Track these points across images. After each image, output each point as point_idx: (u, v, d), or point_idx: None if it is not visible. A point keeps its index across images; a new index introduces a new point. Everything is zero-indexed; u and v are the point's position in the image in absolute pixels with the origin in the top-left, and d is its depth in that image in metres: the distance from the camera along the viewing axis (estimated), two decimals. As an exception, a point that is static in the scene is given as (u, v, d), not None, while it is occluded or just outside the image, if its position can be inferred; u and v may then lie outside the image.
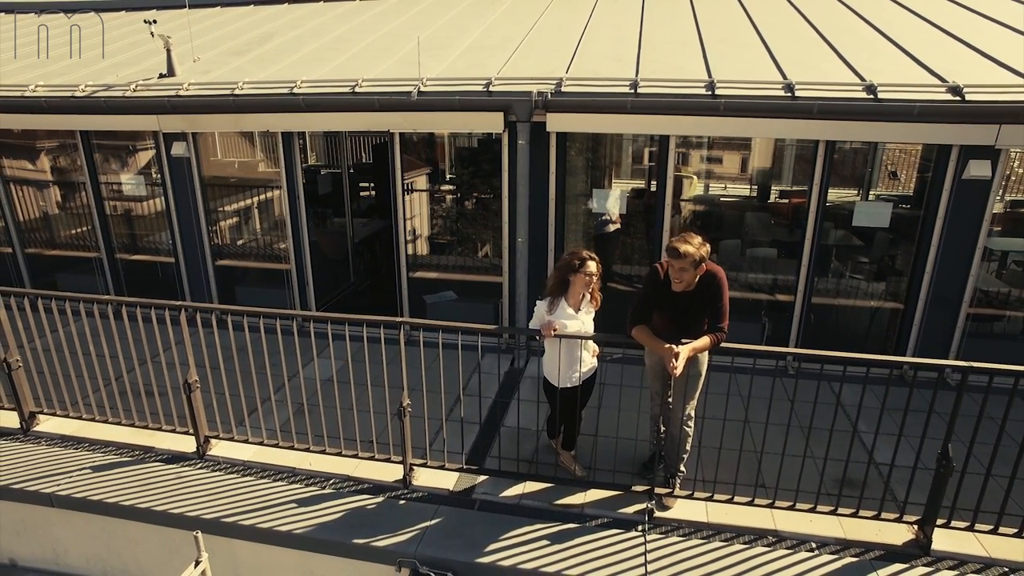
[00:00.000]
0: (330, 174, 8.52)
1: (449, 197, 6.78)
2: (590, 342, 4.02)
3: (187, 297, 7.03)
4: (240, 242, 7.15)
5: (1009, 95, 4.86)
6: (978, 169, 5.10)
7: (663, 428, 4.09)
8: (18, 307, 4.71)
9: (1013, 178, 5.42)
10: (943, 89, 5.01)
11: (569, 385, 4.03)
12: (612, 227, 6.04)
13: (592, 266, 3.83)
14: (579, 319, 3.93)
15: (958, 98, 4.88)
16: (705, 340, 3.60)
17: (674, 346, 3.48)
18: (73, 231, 7.47)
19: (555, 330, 3.78)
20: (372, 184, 9.37)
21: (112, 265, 7.30)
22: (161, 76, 6.59)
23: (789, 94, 5.05)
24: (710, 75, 5.41)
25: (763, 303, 6.05)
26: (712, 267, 3.64)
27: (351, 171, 9.32)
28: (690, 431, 3.96)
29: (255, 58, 7.05)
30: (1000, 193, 5.18)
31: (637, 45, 6.41)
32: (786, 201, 6.00)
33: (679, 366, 3.44)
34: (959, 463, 3.43)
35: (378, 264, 8.18)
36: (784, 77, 5.31)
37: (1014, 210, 5.56)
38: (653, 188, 5.70)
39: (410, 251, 6.36)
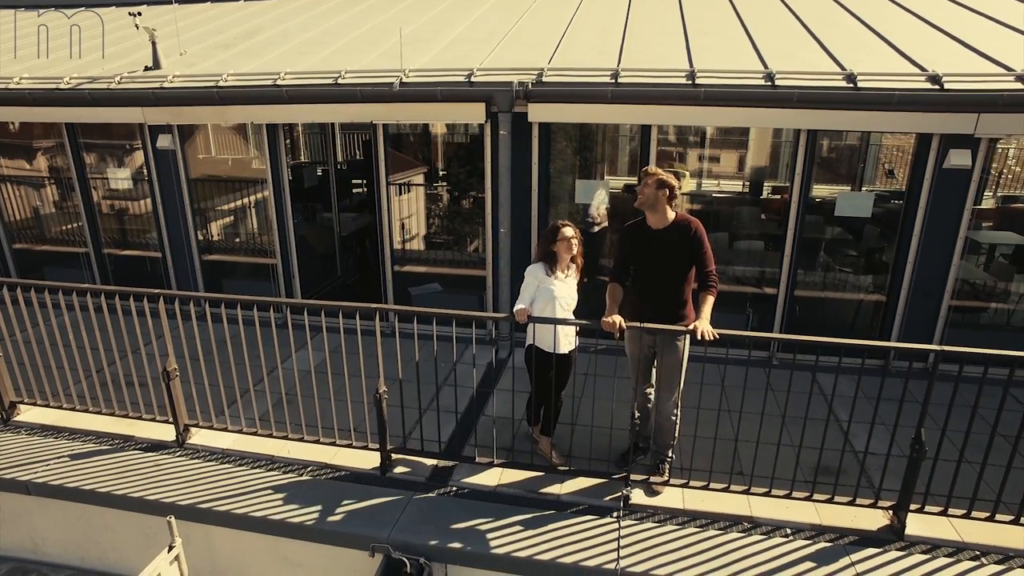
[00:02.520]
0: (318, 169, 8.53)
1: (435, 190, 6.78)
2: (570, 315, 4.08)
3: (171, 272, 7.02)
4: (227, 236, 7.14)
5: (988, 83, 4.87)
6: (958, 158, 5.10)
7: (645, 416, 4.14)
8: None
9: (1006, 173, 5.44)
10: (923, 78, 5.02)
11: (562, 351, 4.07)
12: (597, 227, 6.04)
13: (568, 231, 3.99)
14: (567, 283, 4.08)
15: (937, 87, 4.89)
16: (709, 300, 3.70)
17: (695, 325, 3.54)
18: (60, 226, 7.48)
19: (528, 315, 3.80)
20: (364, 181, 9.38)
21: (100, 260, 7.31)
22: (147, 69, 6.59)
23: (769, 83, 5.05)
24: (692, 65, 5.41)
25: (748, 295, 6.05)
26: (687, 216, 3.78)
27: (343, 167, 9.35)
28: (677, 419, 3.97)
29: (241, 51, 7.06)
30: (980, 184, 5.18)
31: (621, 37, 6.42)
32: (777, 197, 5.98)
33: (710, 330, 3.50)
34: (933, 449, 3.44)
35: (367, 258, 8.18)
36: (765, 67, 5.31)
37: (1003, 205, 5.58)
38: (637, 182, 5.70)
39: (395, 244, 6.37)
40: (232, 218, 7.18)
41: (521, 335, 6.09)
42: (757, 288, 5.96)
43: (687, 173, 6.06)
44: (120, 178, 6.92)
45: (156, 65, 6.61)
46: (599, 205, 5.90)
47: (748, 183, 6.25)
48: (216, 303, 7.00)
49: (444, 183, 6.63)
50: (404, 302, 6.51)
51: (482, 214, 5.91)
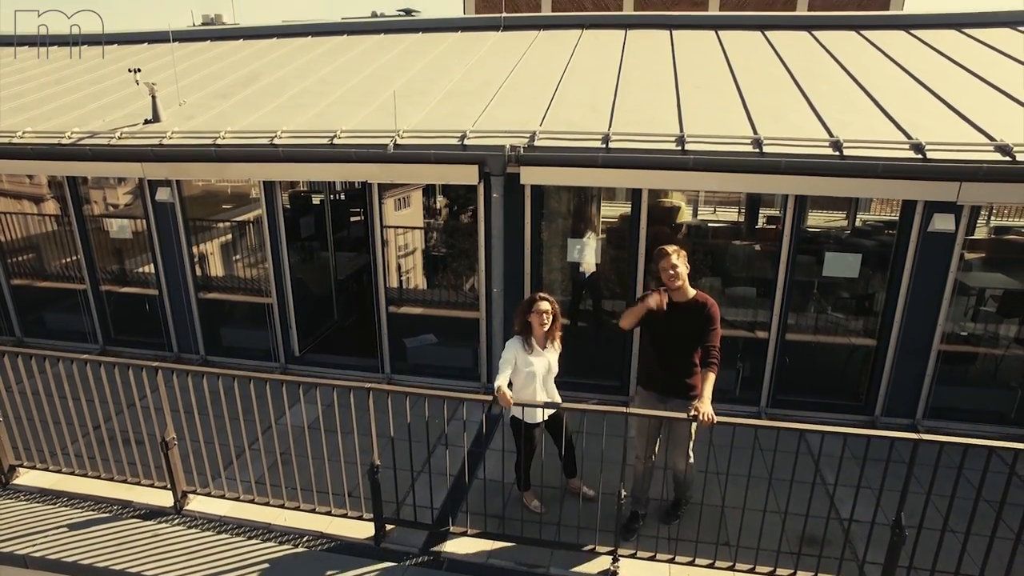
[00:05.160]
0: (315, 206, 8.56)
1: (429, 239, 6.87)
2: (551, 383, 4.34)
3: (171, 332, 7.10)
4: (223, 282, 7.22)
5: (969, 154, 4.97)
6: (942, 223, 5.20)
7: (644, 482, 4.46)
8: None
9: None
10: (907, 146, 5.13)
11: (533, 421, 4.30)
12: (589, 274, 6.13)
13: (543, 304, 4.17)
14: (545, 356, 4.26)
15: (920, 156, 4.99)
16: (711, 378, 3.96)
17: (697, 406, 3.79)
18: (59, 263, 7.53)
19: (510, 401, 3.90)
20: (361, 210, 9.40)
21: (97, 298, 7.33)
22: (147, 122, 6.69)
23: (757, 150, 5.16)
24: (682, 128, 5.52)
25: (739, 344, 6.13)
26: (705, 296, 4.09)
27: (341, 197, 9.31)
28: (688, 471, 4.35)
29: (239, 102, 7.16)
30: (964, 245, 5.29)
31: (614, 91, 6.53)
32: (772, 227, 5.99)
33: (710, 415, 3.75)
34: (917, 519, 3.52)
35: (363, 297, 8.25)
36: (754, 131, 5.41)
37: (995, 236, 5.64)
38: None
39: (390, 297, 6.46)
40: (229, 262, 7.26)
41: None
42: (749, 332, 6.02)
43: (681, 204, 6.09)
44: (118, 228, 7.01)
45: (156, 118, 6.71)
46: (590, 257, 5.99)
47: (742, 214, 6.28)
48: (214, 351, 7.12)
49: (439, 232, 6.71)
50: (400, 351, 6.60)
51: (476, 262, 6.01)
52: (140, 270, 7.22)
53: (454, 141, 5.56)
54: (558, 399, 4.41)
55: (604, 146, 5.31)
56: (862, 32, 8.29)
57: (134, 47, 10.15)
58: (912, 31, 8.25)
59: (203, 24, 27.56)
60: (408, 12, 26.81)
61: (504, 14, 9.16)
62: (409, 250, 6.88)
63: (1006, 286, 5.79)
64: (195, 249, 6.84)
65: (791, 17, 8.63)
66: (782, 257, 5.53)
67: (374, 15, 26.90)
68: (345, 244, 8.70)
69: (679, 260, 3.98)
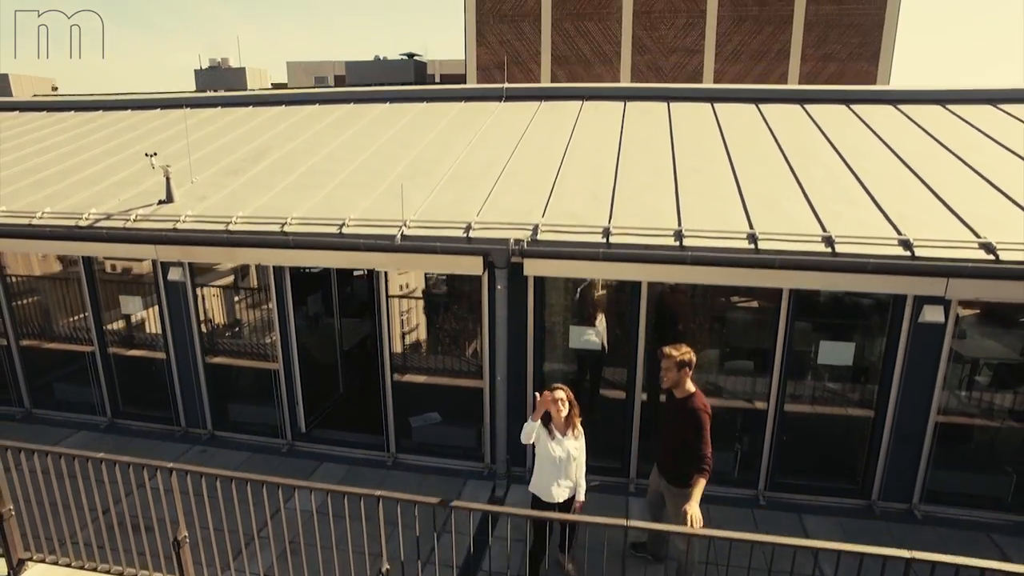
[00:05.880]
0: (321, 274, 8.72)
1: (435, 312, 7.02)
2: (571, 469, 4.65)
3: (179, 404, 7.20)
4: (231, 355, 7.35)
5: (955, 251, 5.17)
6: (932, 315, 5.38)
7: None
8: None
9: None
10: (895, 241, 5.32)
11: (559, 500, 4.62)
12: (590, 357, 6.29)
13: (558, 392, 4.56)
14: (565, 444, 4.61)
15: (908, 253, 5.19)
16: (700, 483, 4.30)
17: (686, 508, 4.12)
18: (67, 326, 7.64)
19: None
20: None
21: (105, 360, 7.40)
22: (160, 202, 6.91)
23: (752, 246, 5.35)
24: (680, 221, 5.72)
25: (737, 422, 6.25)
26: (700, 402, 4.47)
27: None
28: (692, 555, 4.65)
29: (250, 180, 7.39)
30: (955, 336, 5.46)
31: (613, 176, 6.75)
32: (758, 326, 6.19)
33: (698, 518, 4.06)
34: None
35: (368, 363, 8.36)
36: (750, 225, 5.61)
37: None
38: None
39: (395, 364, 6.58)
40: (237, 332, 7.41)
41: (518, 469, 6.30)
42: (748, 403, 6.14)
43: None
44: (131, 303, 7.18)
45: (169, 199, 6.92)
46: (592, 345, 6.16)
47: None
48: (221, 426, 7.22)
49: (445, 311, 6.87)
50: (405, 428, 6.71)
51: (480, 340, 6.16)
52: (150, 339, 7.37)
53: (459, 233, 5.75)
54: (583, 485, 4.74)
55: (605, 241, 5.51)
56: (852, 106, 8.59)
57: (149, 112, 10.46)
58: (899, 106, 8.55)
59: (210, 66, 28.23)
60: (411, 56, 27.55)
61: (506, 85, 9.47)
62: (413, 325, 7.03)
63: (1000, 356, 5.91)
64: (204, 327, 7.00)
65: (783, 91, 8.94)
66: (778, 342, 5.69)
67: (377, 59, 27.60)
68: (350, 307, 8.86)
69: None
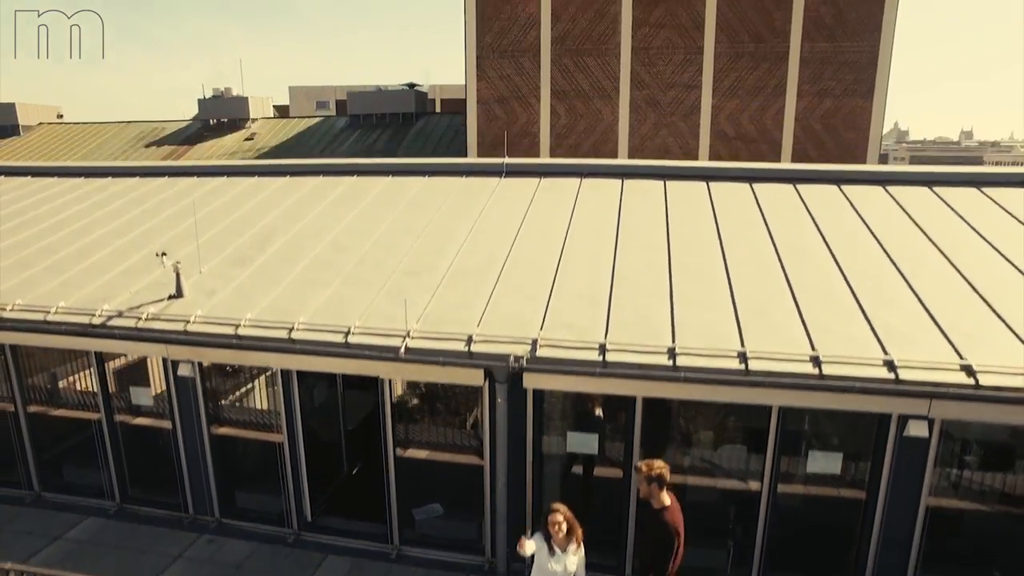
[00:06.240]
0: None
1: (437, 412, 7.24)
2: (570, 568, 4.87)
3: (187, 491, 7.39)
4: (239, 444, 7.57)
5: (938, 373, 5.38)
6: (916, 430, 5.59)
7: None
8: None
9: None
10: (880, 362, 5.53)
11: None
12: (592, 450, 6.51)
13: (556, 516, 4.84)
14: (563, 560, 4.84)
15: (892, 376, 5.40)
16: None
17: None
18: (75, 393, 7.84)
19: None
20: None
21: (111, 428, 7.52)
22: (171, 297, 7.13)
23: (743, 366, 5.56)
24: (673, 336, 5.93)
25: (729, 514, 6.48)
26: (672, 518, 4.80)
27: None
28: None
29: (257, 271, 7.61)
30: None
31: (611, 274, 6.97)
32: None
33: None
34: None
35: (371, 443, 8.56)
36: (741, 342, 5.81)
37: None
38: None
39: (399, 466, 6.79)
40: (245, 421, 7.62)
41: (519, 564, 6.50)
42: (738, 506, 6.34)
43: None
44: (142, 396, 7.39)
45: (179, 293, 7.14)
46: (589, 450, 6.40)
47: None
48: (228, 513, 7.42)
49: (447, 414, 7.10)
50: (408, 518, 6.91)
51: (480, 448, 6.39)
52: (158, 428, 7.58)
53: (461, 346, 5.97)
54: None
55: (601, 359, 5.72)
56: (842, 187, 8.83)
57: (157, 181, 10.69)
58: (887, 187, 8.79)
59: (213, 95, 28.51)
60: (412, 86, 27.84)
61: (506, 161, 9.70)
62: (416, 421, 7.24)
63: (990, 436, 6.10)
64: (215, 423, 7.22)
65: (777, 171, 9.17)
66: (767, 460, 5.91)
67: (379, 89, 27.88)
68: (352, 382, 9.06)
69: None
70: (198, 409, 7.08)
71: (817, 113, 21.49)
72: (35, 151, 27.31)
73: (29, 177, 11.32)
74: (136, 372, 7.55)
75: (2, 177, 11.38)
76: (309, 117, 28.30)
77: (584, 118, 22.62)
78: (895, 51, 20.75)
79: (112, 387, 7.48)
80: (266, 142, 26.02)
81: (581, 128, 22.61)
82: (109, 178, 10.99)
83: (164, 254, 7.11)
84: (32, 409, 7.86)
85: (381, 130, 25.67)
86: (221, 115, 27.56)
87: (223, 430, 7.39)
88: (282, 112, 37.55)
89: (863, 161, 21.75)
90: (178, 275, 7.15)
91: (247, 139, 26.30)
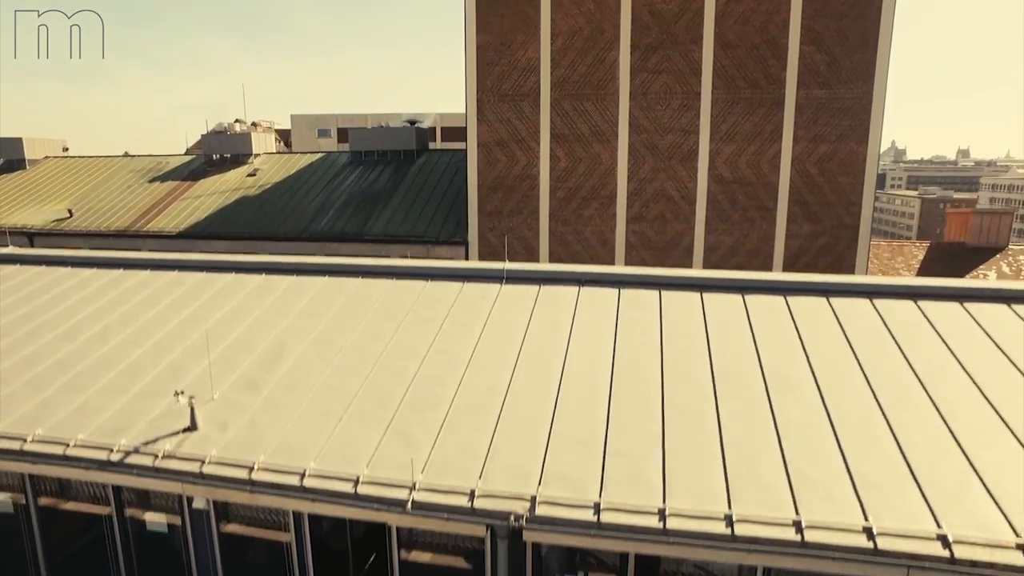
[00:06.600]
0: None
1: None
2: None
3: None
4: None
5: (915, 543, 5.71)
6: (897, 589, 5.92)
7: None
8: None
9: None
10: (860, 528, 5.86)
11: None
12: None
13: None
14: None
15: (871, 545, 5.73)
16: None
17: None
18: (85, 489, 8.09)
19: None
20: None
21: (122, 525, 7.78)
22: (185, 430, 7.47)
23: (729, 531, 5.90)
24: (664, 496, 6.26)
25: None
26: None
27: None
28: None
29: (267, 401, 7.94)
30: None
31: (606, 418, 7.31)
32: None
33: None
34: None
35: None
36: (728, 503, 6.15)
37: None
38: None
39: None
40: (257, 557, 7.94)
41: None
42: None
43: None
44: (156, 523, 7.73)
45: (193, 426, 7.49)
46: None
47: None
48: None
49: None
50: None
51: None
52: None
53: (464, 501, 6.31)
54: None
55: (596, 520, 6.06)
56: (830, 300, 9.17)
57: (167, 276, 11.03)
58: (874, 300, 9.12)
59: (215, 131, 28.87)
60: (413, 123, 28.18)
61: (507, 265, 10.03)
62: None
63: None
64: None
65: (768, 282, 9.48)
66: (754, 609, 6.24)
67: (381, 127, 28.24)
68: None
69: None
70: (211, 536, 7.42)
71: (813, 158, 21.84)
72: (42, 185, 27.68)
73: (43, 267, 11.64)
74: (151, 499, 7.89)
75: (17, 266, 11.72)
76: (311, 153, 28.61)
77: (583, 161, 22.97)
78: (891, 64, 20.93)
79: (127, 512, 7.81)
80: (268, 178, 26.37)
81: (580, 171, 22.98)
82: (120, 270, 11.32)
83: (181, 392, 7.45)
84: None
85: (383, 167, 26.02)
86: (224, 150, 27.90)
87: (236, 555, 7.73)
88: (283, 136, 37.87)
89: (858, 203, 22.21)
90: (192, 409, 7.48)
91: (250, 175, 26.63)
